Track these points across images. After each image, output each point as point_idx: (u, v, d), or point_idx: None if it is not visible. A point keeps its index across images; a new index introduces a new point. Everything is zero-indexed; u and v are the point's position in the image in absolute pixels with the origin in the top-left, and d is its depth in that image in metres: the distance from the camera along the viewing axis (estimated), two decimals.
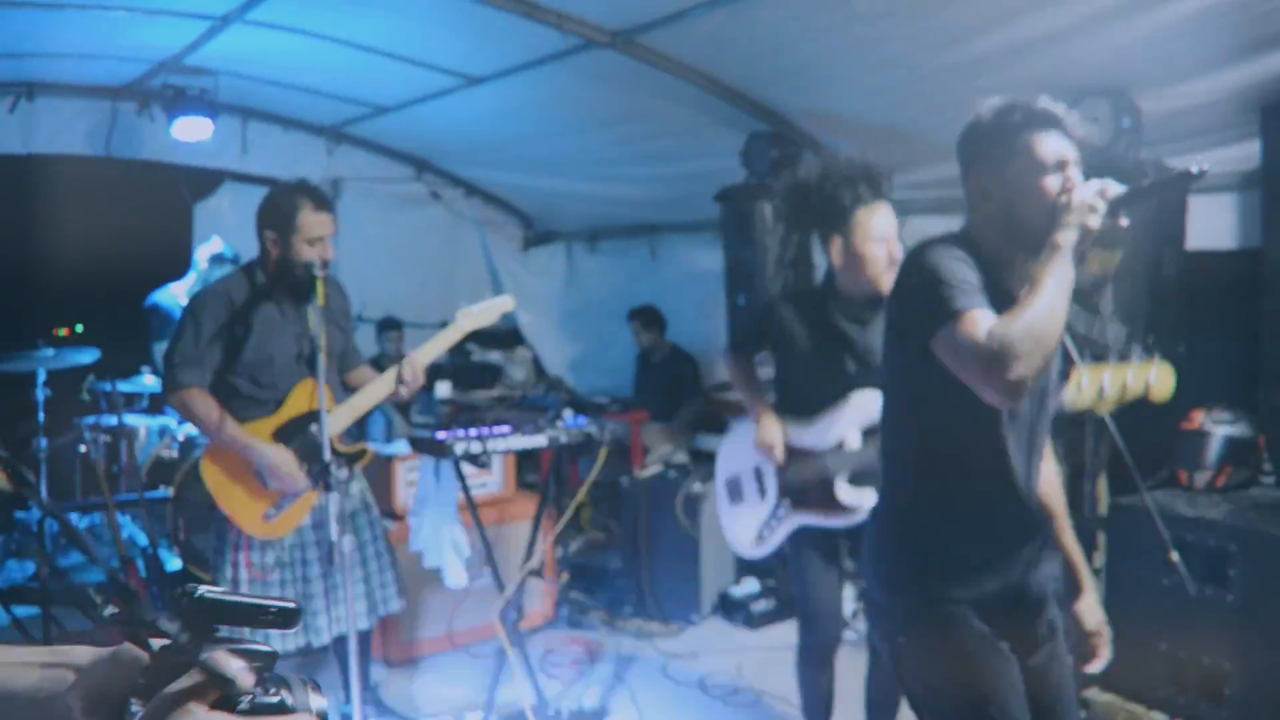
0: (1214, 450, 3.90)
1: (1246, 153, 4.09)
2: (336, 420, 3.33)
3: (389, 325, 7.47)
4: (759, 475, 3.57)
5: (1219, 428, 3.93)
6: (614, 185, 7.29)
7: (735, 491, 3.70)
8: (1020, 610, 2.30)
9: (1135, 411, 4.31)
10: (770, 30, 4.62)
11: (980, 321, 2.00)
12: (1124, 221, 2.02)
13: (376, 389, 3.42)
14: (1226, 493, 3.88)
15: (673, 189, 6.89)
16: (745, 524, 3.61)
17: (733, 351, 3.68)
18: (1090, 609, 2.51)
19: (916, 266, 2.18)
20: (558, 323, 8.70)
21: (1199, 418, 3.98)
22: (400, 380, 3.40)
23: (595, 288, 8.30)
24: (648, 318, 7.19)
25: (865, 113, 5.08)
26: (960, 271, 2.10)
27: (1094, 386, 2.81)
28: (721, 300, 5.85)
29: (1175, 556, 3.28)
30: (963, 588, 2.23)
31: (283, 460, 3.27)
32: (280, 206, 3.32)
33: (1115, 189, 2.00)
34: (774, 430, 3.38)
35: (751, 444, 3.48)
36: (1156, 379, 2.78)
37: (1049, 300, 1.97)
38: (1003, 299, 2.10)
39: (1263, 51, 3.81)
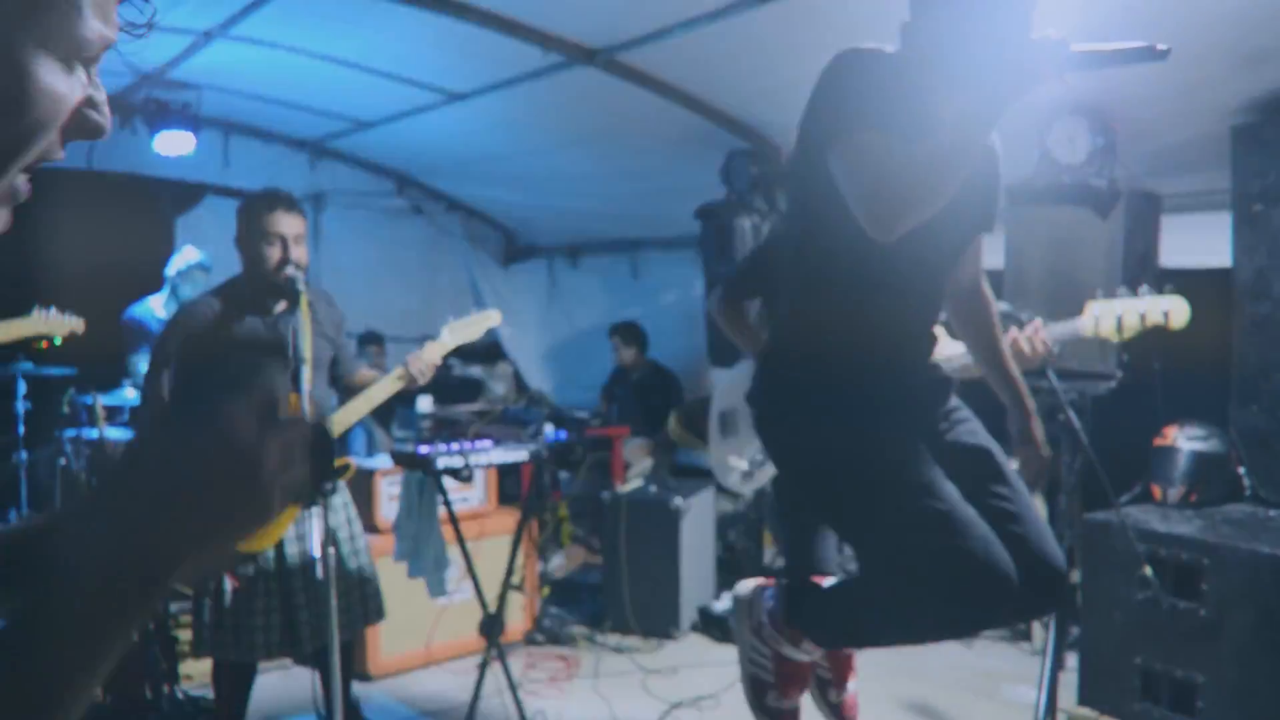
0: (1186, 466, 3.96)
1: (1217, 173, 4.15)
2: None
3: (369, 340, 7.47)
4: None
5: (1191, 444, 3.99)
6: (595, 201, 7.34)
7: (729, 425, 3.74)
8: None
9: (1110, 427, 4.37)
10: (750, 49, 4.67)
11: (876, 146, 1.90)
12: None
13: (380, 389, 3.44)
14: (1199, 508, 3.93)
15: (653, 205, 6.94)
16: (735, 458, 3.64)
17: (726, 299, 3.73)
18: (1035, 439, 2.56)
19: (833, 71, 2.07)
20: (539, 337, 8.73)
21: (1172, 434, 4.04)
22: (409, 376, 3.41)
23: (576, 303, 8.34)
24: (628, 334, 7.22)
25: None
26: (875, 84, 1.99)
27: (1110, 318, 2.81)
28: (701, 315, 5.89)
29: (1148, 571, 3.33)
30: (855, 406, 2.21)
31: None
32: (245, 211, 3.34)
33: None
34: None
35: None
36: (1171, 308, 2.79)
37: (951, 150, 1.84)
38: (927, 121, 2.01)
39: (1233, 74, 3.88)
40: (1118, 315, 2.80)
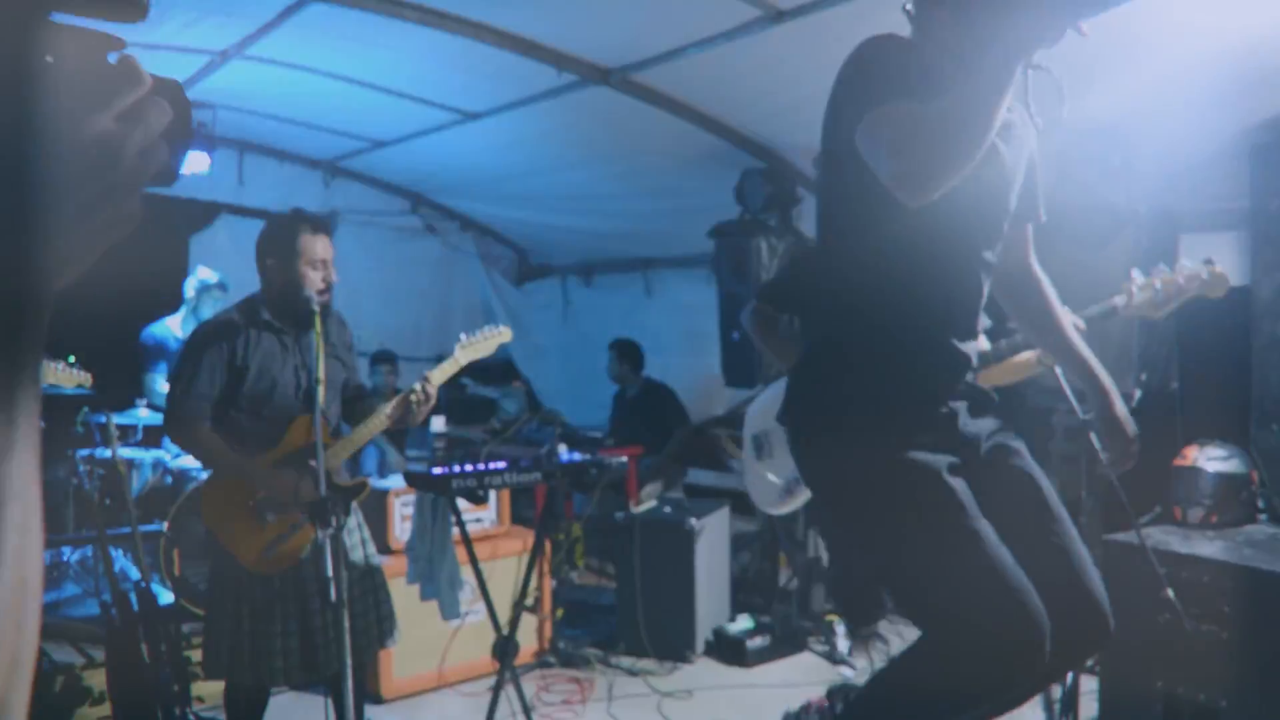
0: (1207, 486, 3.91)
1: (1235, 192, 4.13)
2: (335, 454, 3.33)
3: (382, 358, 7.46)
4: None
5: (1212, 464, 3.94)
6: (608, 220, 7.34)
7: (763, 446, 3.69)
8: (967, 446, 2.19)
9: None
10: (764, 68, 4.67)
11: (898, 111, 1.84)
12: None
13: (376, 422, 3.42)
14: (1220, 529, 3.88)
15: (667, 224, 6.94)
16: (771, 480, 3.60)
17: (759, 310, 3.61)
18: (1118, 417, 2.39)
19: (851, 62, 2.04)
20: (553, 356, 8.72)
21: (1192, 454, 3.99)
22: (413, 403, 3.38)
23: (590, 321, 8.34)
24: (624, 350, 7.15)
25: None
26: (895, 63, 1.96)
27: (1147, 292, 2.75)
28: (715, 335, 5.88)
29: (1170, 593, 3.28)
30: (914, 426, 2.10)
31: (284, 485, 3.25)
32: (280, 234, 3.34)
33: None
34: None
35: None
36: (1210, 277, 2.71)
37: (973, 103, 1.76)
38: None
39: (1251, 94, 3.86)
40: (1156, 286, 2.73)
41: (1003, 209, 2.18)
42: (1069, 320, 2.47)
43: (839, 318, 2.23)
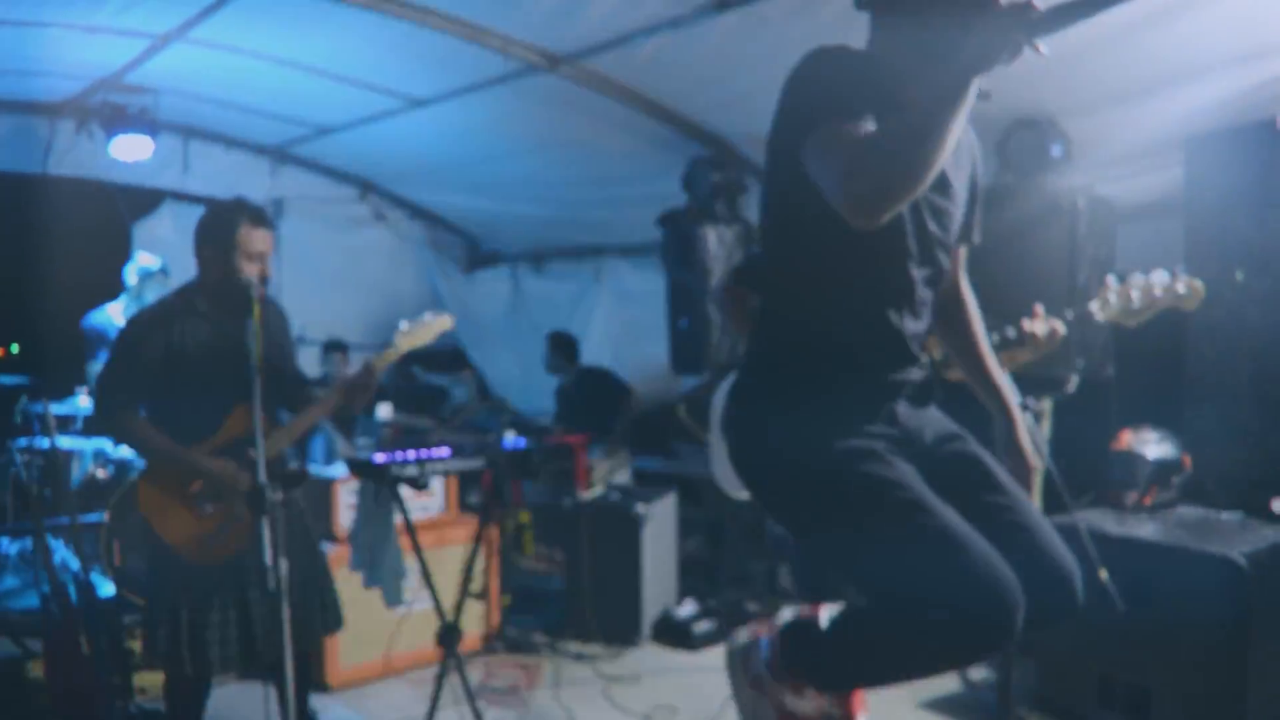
0: (1141, 470, 4.00)
1: (1171, 182, 4.20)
2: (275, 442, 3.31)
3: (333, 347, 7.41)
4: None
5: (1146, 448, 4.02)
6: (558, 208, 7.33)
7: None
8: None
9: (1066, 432, 4.41)
10: (711, 56, 4.68)
11: (848, 132, 1.82)
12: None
13: (315, 410, 3.40)
14: (1154, 511, 3.97)
15: (616, 212, 6.94)
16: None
17: (725, 286, 3.68)
18: (1019, 445, 2.42)
19: (800, 72, 2.02)
20: (502, 344, 8.70)
21: (1127, 438, 4.08)
22: (352, 390, 3.36)
23: (539, 309, 8.32)
24: (557, 342, 7.09)
25: None
26: (843, 78, 1.94)
27: (1122, 299, 2.79)
28: (665, 323, 5.89)
29: (1104, 575, 3.35)
30: (849, 428, 2.11)
31: (224, 469, 3.23)
32: (218, 223, 3.30)
33: None
34: None
35: None
36: (1186, 290, 2.76)
37: (926, 123, 1.71)
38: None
39: (1186, 82, 3.93)
40: (1131, 295, 2.77)
41: (946, 226, 2.19)
42: (987, 345, 2.48)
43: (779, 307, 2.26)
